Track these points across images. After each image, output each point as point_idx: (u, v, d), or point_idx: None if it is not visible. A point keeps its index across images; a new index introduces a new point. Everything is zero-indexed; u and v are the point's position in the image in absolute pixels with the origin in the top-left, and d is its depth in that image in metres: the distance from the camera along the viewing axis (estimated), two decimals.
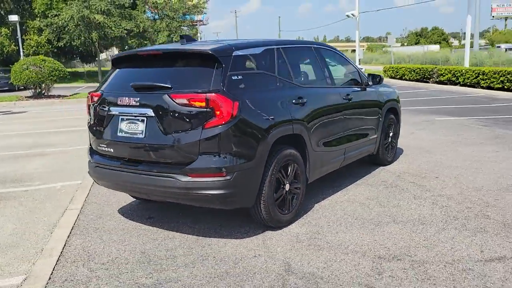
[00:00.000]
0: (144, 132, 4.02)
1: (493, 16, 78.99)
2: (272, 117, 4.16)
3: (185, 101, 3.81)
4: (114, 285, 3.46)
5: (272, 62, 4.53)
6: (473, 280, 3.33)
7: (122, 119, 4.18)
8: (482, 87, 19.43)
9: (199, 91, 3.82)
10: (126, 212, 5.10)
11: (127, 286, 3.43)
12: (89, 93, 4.60)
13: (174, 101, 3.85)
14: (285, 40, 5.25)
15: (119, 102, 4.17)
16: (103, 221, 4.85)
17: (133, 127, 4.10)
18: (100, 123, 4.42)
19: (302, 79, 5.01)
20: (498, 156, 7.28)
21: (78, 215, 5.06)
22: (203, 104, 3.76)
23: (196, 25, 36.63)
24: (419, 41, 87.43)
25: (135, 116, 4.09)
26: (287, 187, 4.42)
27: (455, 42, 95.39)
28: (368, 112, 6.05)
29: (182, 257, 3.90)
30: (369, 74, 6.30)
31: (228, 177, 3.81)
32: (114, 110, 4.24)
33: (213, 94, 3.76)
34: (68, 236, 4.45)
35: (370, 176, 6.27)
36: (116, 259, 3.90)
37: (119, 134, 4.20)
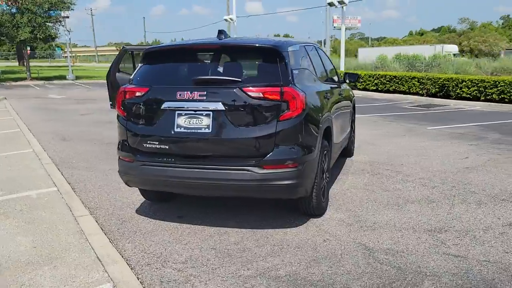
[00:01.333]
0: (210, 127, 3.96)
1: (334, 27, 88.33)
2: (320, 109, 4.44)
3: (259, 94, 3.88)
4: (217, 280, 3.41)
5: (307, 59, 4.80)
6: None
7: (179, 114, 4.05)
8: (359, 89, 21.73)
9: (273, 84, 3.92)
10: (148, 213, 4.86)
11: (233, 279, 3.41)
12: (124, 88, 4.32)
13: (248, 95, 3.89)
14: (298, 40, 5.53)
15: (178, 97, 4.03)
16: (133, 224, 4.58)
17: (195, 122, 4.01)
18: (148, 119, 4.20)
19: (319, 75, 5.36)
20: (429, 145, 8.50)
21: (97, 221, 4.69)
22: (278, 97, 3.88)
23: (62, 21, 33.82)
24: None
25: (199, 111, 4.00)
26: (326, 175, 4.73)
27: None
28: (348, 107, 6.63)
29: (257, 248, 3.95)
30: (345, 73, 6.90)
31: (300, 167, 3.99)
32: (169, 105, 4.07)
33: (288, 87, 3.91)
34: (111, 242, 4.14)
35: (347, 167, 6.86)
36: (193, 258, 3.79)
37: (177, 130, 4.05)
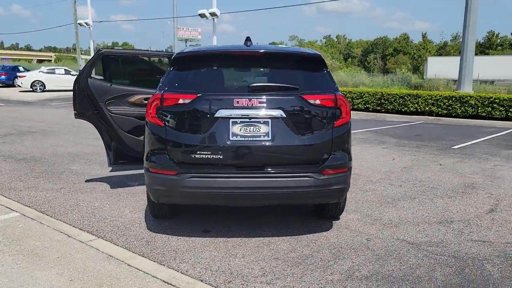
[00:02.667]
0: (270, 134, 3.90)
1: (178, 38, 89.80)
2: None
3: (317, 101, 3.97)
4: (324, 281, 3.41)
5: None
6: None
7: (234, 122, 3.89)
8: None
9: (327, 91, 4.05)
10: (165, 231, 4.48)
11: (330, 285, 3.44)
12: (162, 95, 3.97)
13: (307, 102, 3.95)
14: None
15: (235, 104, 3.88)
16: (162, 243, 4.19)
17: (252, 130, 3.89)
18: (197, 128, 3.92)
19: None
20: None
21: (115, 244, 4.19)
22: (332, 104, 4.02)
23: None
24: None
25: (255, 118, 3.90)
26: None
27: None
28: None
29: (316, 253, 4.00)
30: None
31: (348, 172, 4.18)
32: (224, 113, 3.89)
33: (339, 94, 4.08)
34: (162, 264, 3.79)
35: None
36: (267, 270, 3.68)
37: (232, 138, 3.89)
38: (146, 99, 5.64)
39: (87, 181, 6.40)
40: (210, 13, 23.27)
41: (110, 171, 6.87)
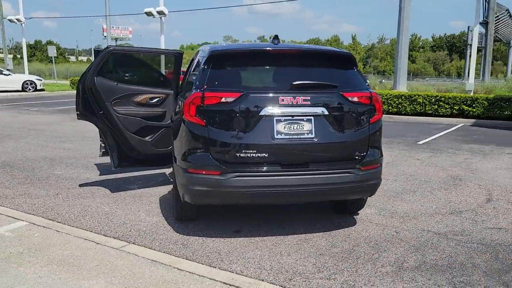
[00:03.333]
0: (313, 132, 3.94)
1: (105, 36, 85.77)
2: None
3: (355, 99, 4.06)
4: (380, 280, 3.50)
5: None
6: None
7: (278, 120, 3.89)
8: None
9: (363, 89, 4.15)
10: (195, 233, 4.37)
11: (389, 277, 3.53)
12: (203, 94, 3.87)
13: (347, 99, 4.03)
14: None
15: (280, 102, 3.87)
16: (200, 245, 4.09)
17: (295, 128, 3.91)
18: (241, 126, 3.87)
19: None
20: None
21: (152, 248, 4.05)
22: (368, 101, 4.13)
23: None
24: (34, 53, 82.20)
25: (299, 116, 3.92)
26: None
27: (72, 58, 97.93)
28: None
29: (357, 247, 4.09)
30: None
31: (380, 167, 4.33)
32: (270, 111, 3.87)
33: (373, 92, 4.20)
34: (212, 266, 3.71)
35: None
36: (319, 266, 3.71)
37: (277, 136, 3.88)
38: (151, 98, 5.46)
39: (81, 185, 6.07)
40: (157, 12, 22.74)
41: (100, 175, 6.58)
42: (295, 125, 3.87)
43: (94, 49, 6.25)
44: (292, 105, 3.85)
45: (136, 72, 6.18)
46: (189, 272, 3.52)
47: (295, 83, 3.92)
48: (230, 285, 3.34)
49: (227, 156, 3.83)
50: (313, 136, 3.90)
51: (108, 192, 5.75)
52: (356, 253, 3.96)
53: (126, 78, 5.85)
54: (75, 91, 5.27)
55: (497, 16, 34.11)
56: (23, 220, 4.64)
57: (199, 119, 3.84)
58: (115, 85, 5.33)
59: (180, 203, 4.32)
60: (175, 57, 5.64)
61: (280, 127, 3.85)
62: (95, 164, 7.34)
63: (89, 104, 5.26)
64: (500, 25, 36.93)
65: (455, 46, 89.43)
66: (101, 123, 5.33)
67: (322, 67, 4.19)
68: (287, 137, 3.86)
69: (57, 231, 4.37)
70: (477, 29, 18.17)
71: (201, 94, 3.83)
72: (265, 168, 3.86)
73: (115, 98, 5.27)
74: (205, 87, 3.87)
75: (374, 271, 3.61)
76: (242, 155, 3.82)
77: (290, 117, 3.87)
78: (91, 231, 4.40)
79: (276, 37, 4.40)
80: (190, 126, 3.87)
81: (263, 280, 3.44)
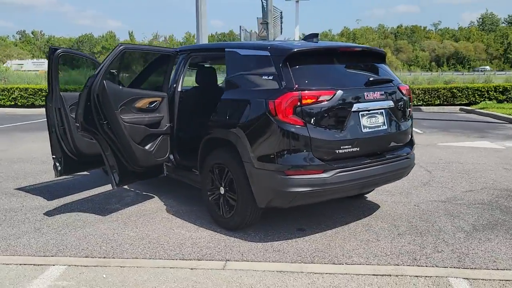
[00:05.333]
0: (385, 123, 4.29)
1: None
2: None
3: (404, 91, 4.56)
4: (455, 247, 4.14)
5: None
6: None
7: (362, 115, 4.11)
8: None
9: (402, 83, 4.70)
10: (269, 238, 4.25)
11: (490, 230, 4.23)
12: (300, 93, 3.82)
13: (401, 92, 4.51)
14: None
15: (366, 97, 4.10)
16: (303, 247, 4.06)
17: (374, 121, 4.20)
18: (337, 123, 3.95)
19: None
20: None
21: (261, 260, 3.87)
22: (409, 93, 4.70)
23: None
24: None
25: (375, 110, 4.23)
26: None
27: None
28: None
29: (440, 218, 4.69)
30: None
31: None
32: (358, 106, 4.05)
33: (407, 86, 4.80)
34: (369, 264, 3.81)
35: None
36: (402, 251, 4.18)
37: (364, 130, 4.10)
38: (151, 102, 4.92)
39: (50, 215, 5.02)
40: None
41: (51, 200, 5.55)
42: (373, 118, 4.15)
43: (49, 48, 5.10)
44: (372, 100, 4.12)
45: (135, 73, 5.38)
46: (328, 273, 3.51)
47: (371, 79, 4.17)
48: (387, 275, 3.46)
49: (327, 154, 3.88)
50: (386, 127, 4.24)
51: (100, 217, 4.93)
52: (419, 226, 4.46)
53: (134, 80, 5.07)
54: (78, 99, 4.34)
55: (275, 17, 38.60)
56: (54, 265, 3.75)
57: (297, 119, 3.77)
58: (121, 89, 4.61)
59: (244, 210, 4.13)
60: (170, 56, 5.15)
61: (364, 121, 4.08)
62: (16, 189, 6.06)
63: (90, 114, 4.42)
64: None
65: None
66: (102, 135, 4.54)
67: (374, 63, 4.53)
68: (370, 130, 4.11)
69: (121, 267, 3.69)
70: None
71: (298, 94, 3.77)
72: (356, 161, 4.04)
73: (121, 104, 4.56)
74: (296, 86, 3.81)
75: (453, 233, 4.18)
76: (340, 151, 3.92)
77: (372, 111, 4.13)
78: (165, 259, 3.84)
79: (316, 35, 4.53)
80: (287, 126, 3.76)
81: (397, 265, 3.66)
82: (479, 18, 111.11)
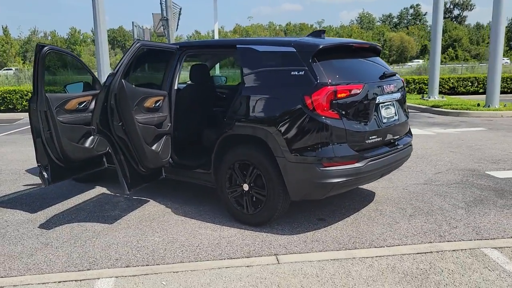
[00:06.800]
0: (396, 114, 4.64)
1: None
2: None
3: (403, 84, 5.00)
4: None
5: None
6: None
7: (382, 107, 4.41)
8: None
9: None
10: (296, 229, 4.38)
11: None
12: (335, 87, 3.98)
13: (402, 84, 4.90)
14: None
15: (386, 90, 4.40)
16: (329, 234, 4.24)
17: (388, 112, 4.51)
18: (365, 115, 4.18)
19: None
20: None
21: (314, 250, 4.01)
22: (404, 85, 5.14)
23: None
24: None
25: (390, 101, 4.56)
26: None
27: None
28: None
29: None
30: None
31: None
32: (381, 99, 4.32)
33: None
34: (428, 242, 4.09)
35: None
36: (438, 223, 4.61)
37: (384, 121, 4.40)
38: (156, 101, 4.78)
39: (62, 224, 4.62)
40: None
41: (35, 213, 5.10)
42: (388, 110, 4.47)
43: (36, 45, 4.58)
44: (389, 92, 4.44)
45: (144, 71, 5.05)
46: (379, 256, 3.75)
47: (385, 73, 4.48)
48: (429, 252, 3.79)
49: (359, 144, 4.11)
50: (397, 117, 4.59)
51: (108, 225, 4.64)
52: (422, 207, 4.90)
53: (145, 78, 4.77)
54: (95, 100, 4.04)
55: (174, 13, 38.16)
56: (101, 278, 3.50)
57: (333, 112, 3.95)
58: (135, 89, 4.37)
59: (275, 204, 4.22)
60: (172, 53, 4.98)
61: (383, 112, 4.38)
62: None
63: (106, 116, 4.16)
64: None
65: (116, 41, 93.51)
66: (115, 138, 4.29)
67: (377, 57, 4.84)
68: (387, 120, 4.43)
69: (173, 272, 3.56)
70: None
71: (334, 88, 3.94)
72: (379, 150, 4.33)
73: (135, 104, 4.35)
74: (329, 81, 3.98)
75: (453, 210, 4.68)
76: (368, 141, 4.17)
77: (387, 103, 4.45)
78: (215, 259, 3.78)
79: (323, 31, 4.73)
80: (324, 120, 3.91)
81: (431, 242, 4.01)
82: (357, 17, 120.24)
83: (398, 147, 4.59)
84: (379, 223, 4.46)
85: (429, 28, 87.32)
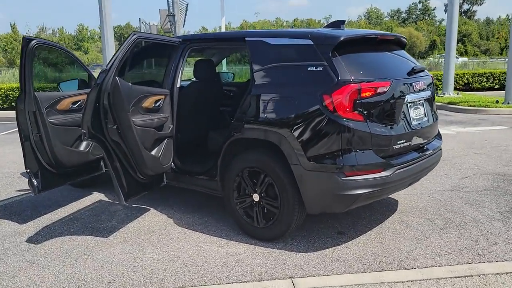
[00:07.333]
0: (426, 114, 4.11)
1: None
2: None
3: (432, 80, 4.45)
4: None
5: None
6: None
7: (410, 106, 3.89)
8: None
9: None
10: (314, 245, 3.89)
11: None
12: (359, 85, 3.47)
13: (432, 80, 4.37)
14: None
15: (414, 88, 3.88)
16: (352, 252, 3.76)
17: (418, 113, 3.99)
18: (392, 116, 3.66)
19: None
20: None
21: (334, 273, 3.50)
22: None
23: None
24: None
25: (419, 101, 4.03)
26: None
27: None
28: None
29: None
30: None
31: None
32: (410, 98, 3.80)
33: None
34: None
35: None
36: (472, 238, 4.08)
37: (413, 122, 3.88)
38: (156, 101, 4.28)
39: (53, 238, 4.16)
40: None
41: (23, 223, 4.63)
42: (417, 110, 3.95)
43: (23, 38, 4.13)
44: (418, 91, 3.91)
45: (145, 68, 4.57)
46: (410, 281, 3.26)
47: (414, 68, 3.95)
48: (469, 276, 3.28)
49: (385, 150, 3.60)
50: (426, 118, 4.07)
51: (102, 239, 4.18)
52: (453, 219, 4.38)
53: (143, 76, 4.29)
54: (84, 101, 3.56)
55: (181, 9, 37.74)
56: None
57: (357, 113, 3.44)
58: (131, 87, 3.89)
59: (294, 217, 3.73)
60: (174, 47, 4.49)
61: (412, 113, 3.86)
62: None
63: (98, 118, 3.68)
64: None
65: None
66: (110, 143, 3.81)
67: (403, 50, 4.31)
68: (416, 122, 3.91)
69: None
70: None
71: (357, 86, 3.42)
72: (409, 156, 3.81)
73: (132, 104, 3.86)
74: (352, 78, 3.46)
75: (489, 222, 4.15)
76: (396, 146, 3.66)
77: (416, 102, 3.93)
78: (223, 283, 3.29)
79: (343, 22, 4.20)
80: (346, 122, 3.40)
81: (469, 263, 3.50)
82: (365, 13, 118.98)
83: (428, 152, 4.06)
84: (407, 238, 3.95)
85: (438, 23, 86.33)
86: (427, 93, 4.08)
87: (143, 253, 3.79)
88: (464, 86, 19.02)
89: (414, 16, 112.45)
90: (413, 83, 3.84)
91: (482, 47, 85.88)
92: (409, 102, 3.81)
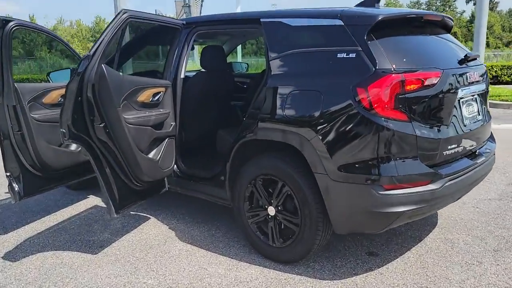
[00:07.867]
0: (479, 113, 3.38)
1: None
2: None
3: (485, 71, 3.70)
4: None
5: None
6: None
7: (463, 103, 3.18)
8: None
9: None
10: (344, 266, 3.23)
11: None
12: (403, 76, 2.75)
13: (486, 71, 3.63)
14: None
15: (468, 80, 3.15)
16: (397, 275, 3.08)
17: (471, 110, 3.27)
18: (441, 116, 2.95)
19: None
20: None
21: None
22: None
23: None
24: None
25: (472, 96, 3.31)
26: None
27: None
28: None
29: None
30: None
31: None
32: (463, 93, 3.09)
33: None
34: None
35: None
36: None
37: (465, 122, 3.16)
38: (155, 94, 3.62)
39: (34, 253, 3.56)
40: None
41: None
42: (470, 107, 3.23)
43: (0, 19, 3.53)
44: (473, 83, 3.19)
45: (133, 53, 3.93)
46: None
47: (467, 55, 3.21)
48: None
49: (433, 157, 2.88)
50: (480, 117, 3.35)
51: (90, 256, 3.56)
52: (507, 237, 3.65)
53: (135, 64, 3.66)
54: (65, 92, 2.92)
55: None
56: None
57: (399, 111, 2.72)
58: (122, 77, 3.24)
59: (318, 236, 3.05)
60: (176, 30, 3.83)
61: (464, 111, 3.14)
62: None
63: (82, 114, 3.04)
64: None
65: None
66: (96, 144, 3.17)
67: (449, 35, 3.57)
68: (470, 122, 3.21)
69: None
70: None
71: (400, 77, 2.70)
72: (461, 164, 3.09)
73: (123, 98, 3.21)
74: (393, 66, 2.75)
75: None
76: (446, 152, 2.95)
77: (469, 98, 3.21)
78: None
79: (378, 0, 3.47)
80: (386, 122, 2.69)
81: None
82: (384, 4, 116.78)
83: (481, 158, 3.33)
84: (454, 263, 3.24)
85: (458, 14, 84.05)
86: (481, 86, 3.35)
87: (136, 276, 3.16)
88: (492, 79, 17.99)
89: (434, 7, 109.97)
90: (467, 74, 3.11)
91: (504, 39, 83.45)
92: (462, 98, 3.08)
